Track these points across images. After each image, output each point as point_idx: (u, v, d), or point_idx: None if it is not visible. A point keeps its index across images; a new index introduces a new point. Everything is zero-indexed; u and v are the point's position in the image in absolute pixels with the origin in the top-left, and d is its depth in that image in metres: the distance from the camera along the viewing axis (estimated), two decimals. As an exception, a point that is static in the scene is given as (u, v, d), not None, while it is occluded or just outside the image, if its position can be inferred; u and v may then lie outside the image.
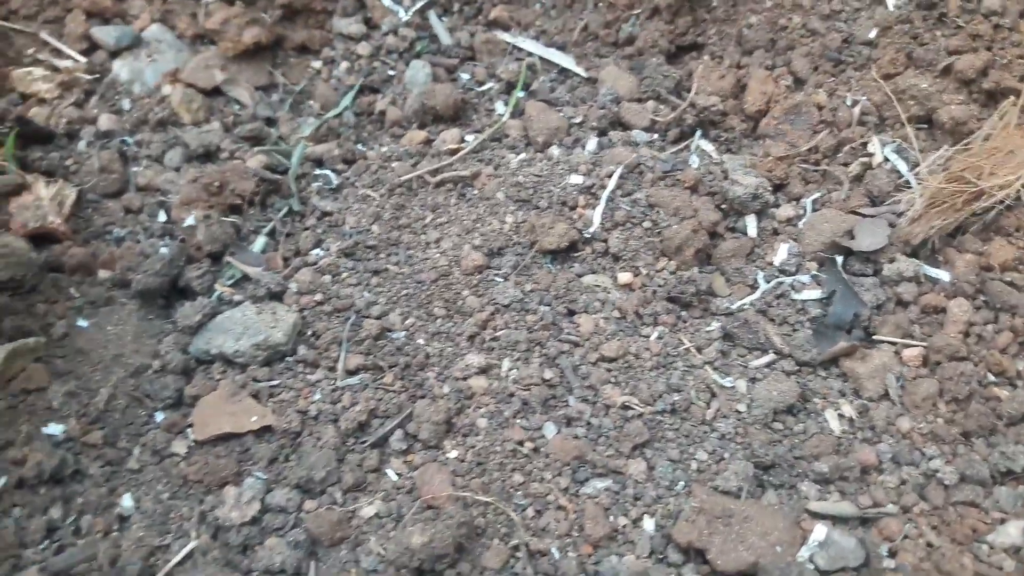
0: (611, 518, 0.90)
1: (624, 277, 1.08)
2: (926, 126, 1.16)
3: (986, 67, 1.13)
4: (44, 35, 1.30)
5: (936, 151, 1.12)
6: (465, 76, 1.33)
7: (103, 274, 1.10)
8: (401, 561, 0.85)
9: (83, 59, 1.29)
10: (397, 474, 0.95)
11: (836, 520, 0.89)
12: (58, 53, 1.30)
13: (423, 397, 0.99)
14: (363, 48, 1.35)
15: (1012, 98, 1.08)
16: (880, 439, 0.96)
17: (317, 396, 0.99)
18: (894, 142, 1.14)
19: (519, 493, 0.92)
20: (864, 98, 1.17)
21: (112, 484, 0.95)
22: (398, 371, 1.01)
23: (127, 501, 0.94)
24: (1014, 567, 0.84)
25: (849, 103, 1.18)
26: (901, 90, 1.15)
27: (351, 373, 1.01)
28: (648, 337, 1.03)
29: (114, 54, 1.31)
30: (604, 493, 0.92)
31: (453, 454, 0.95)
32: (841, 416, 0.98)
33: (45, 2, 1.32)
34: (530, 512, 0.91)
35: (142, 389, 1.02)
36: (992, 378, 0.98)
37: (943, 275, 1.04)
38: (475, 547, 0.88)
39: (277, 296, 1.07)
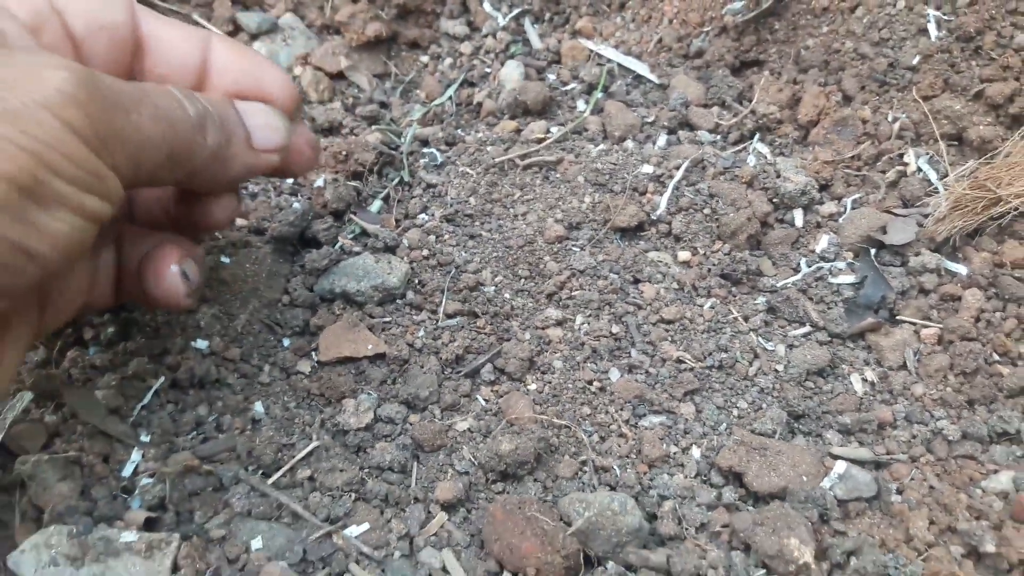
0: (664, 445, 1.05)
1: (684, 255, 1.23)
2: (956, 143, 1.28)
3: (1013, 94, 1.24)
4: (196, 16, 1.49)
5: (963, 164, 1.24)
6: (552, 76, 1.48)
7: (240, 222, 1.28)
8: (490, 464, 1.01)
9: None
10: (485, 400, 1.11)
11: (854, 462, 1.03)
12: (208, 34, 1.49)
13: (509, 340, 1.16)
14: (465, 47, 1.52)
15: (1031, 121, 1.23)
16: (896, 401, 1.10)
17: (421, 332, 1.16)
18: (927, 155, 1.26)
19: (587, 422, 1.08)
20: (904, 115, 1.29)
21: (247, 393, 1.10)
22: (488, 318, 1.17)
23: (259, 407, 1.09)
24: (1002, 507, 0.99)
25: (890, 119, 1.30)
26: (937, 110, 1.28)
27: (450, 316, 1.17)
28: (702, 306, 1.18)
29: (254, 36, 1.49)
30: (659, 426, 1.07)
31: (533, 387, 1.11)
32: (864, 380, 1.12)
33: (201, -11, 1.52)
34: (596, 438, 1.06)
35: (273, 318, 1.18)
36: (996, 357, 1.11)
37: (961, 269, 1.17)
38: (550, 460, 1.04)
39: (391, 249, 1.22)
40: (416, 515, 0.99)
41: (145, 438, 1.03)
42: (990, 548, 0.93)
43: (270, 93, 0.96)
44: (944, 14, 1.34)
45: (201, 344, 1.13)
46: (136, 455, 1.00)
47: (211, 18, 1.50)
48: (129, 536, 0.91)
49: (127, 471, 0.99)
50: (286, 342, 1.18)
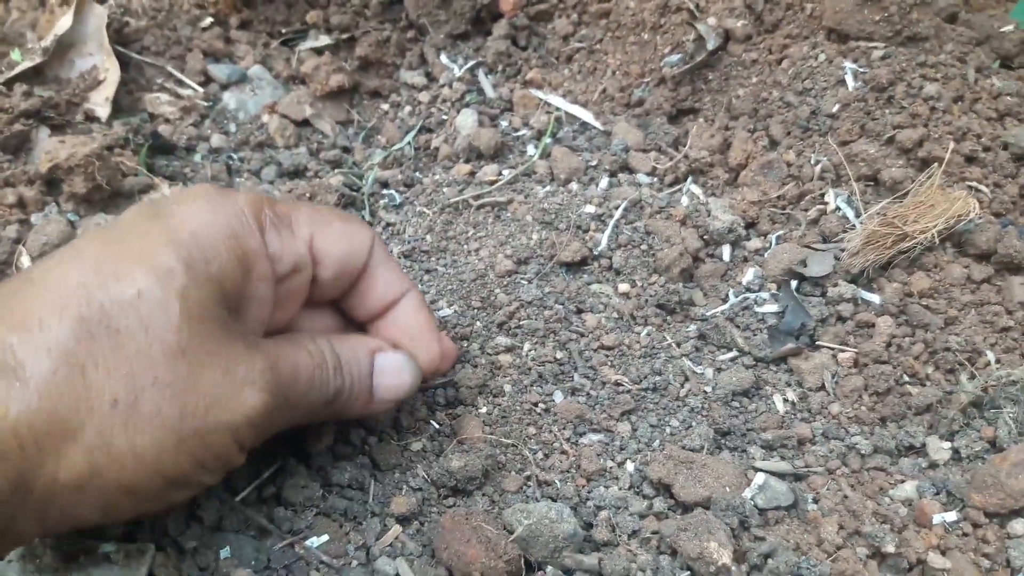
0: (601, 460, 1.14)
1: (623, 287, 1.33)
2: (873, 183, 1.38)
3: (922, 139, 1.35)
4: (170, 68, 1.58)
5: (878, 203, 1.35)
6: (504, 123, 1.58)
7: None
8: (441, 480, 1.10)
9: (200, 89, 1.57)
10: (439, 423, 1.21)
11: (774, 474, 1.13)
12: (180, 83, 1.57)
13: (466, 364, 1.25)
14: (423, 96, 1.62)
15: (936, 163, 1.35)
16: (815, 419, 1.20)
17: (379, 360, 1.26)
18: (845, 194, 1.37)
19: (532, 440, 1.17)
20: (825, 158, 1.39)
21: None
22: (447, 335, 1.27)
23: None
24: (906, 513, 1.09)
25: (812, 162, 1.40)
26: (854, 154, 1.38)
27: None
28: (639, 333, 1.28)
29: (224, 87, 1.58)
30: (597, 443, 1.16)
31: (483, 409, 1.21)
32: (785, 400, 1.22)
33: (171, 41, 1.60)
34: (540, 455, 1.15)
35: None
36: (906, 378, 1.20)
37: (875, 298, 1.27)
38: (498, 476, 1.12)
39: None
40: (373, 528, 1.07)
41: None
42: (891, 548, 1.03)
43: (418, 355, 1.06)
44: (860, 66, 1.46)
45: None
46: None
47: (184, 70, 1.60)
48: (108, 547, 0.98)
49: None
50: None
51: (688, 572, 1.01)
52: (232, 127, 1.55)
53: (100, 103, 1.46)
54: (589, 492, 1.12)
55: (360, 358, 1.00)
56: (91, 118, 1.45)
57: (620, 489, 1.12)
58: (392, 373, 1.03)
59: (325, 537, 1.05)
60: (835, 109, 1.44)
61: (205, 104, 1.56)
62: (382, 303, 1.06)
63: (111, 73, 1.49)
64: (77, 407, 0.71)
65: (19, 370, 0.70)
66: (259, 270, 0.87)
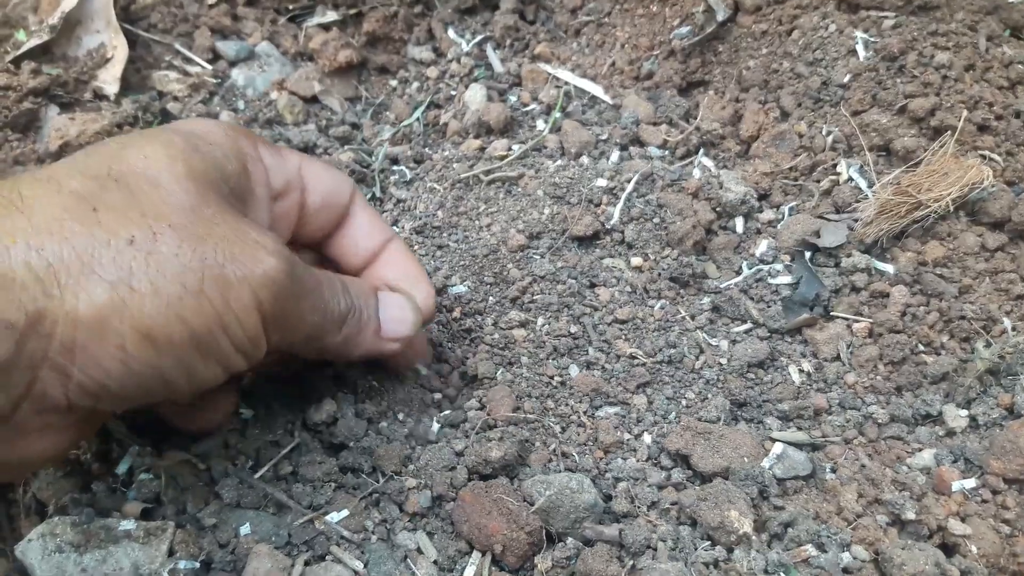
0: (619, 433, 1.14)
1: (636, 261, 1.33)
2: (884, 153, 1.38)
3: (934, 109, 1.35)
4: (177, 46, 1.58)
5: (890, 173, 1.35)
6: (513, 98, 1.58)
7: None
8: (477, 468, 1.07)
9: (208, 66, 1.56)
10: (455, 395, 1.21)
11: (791, 444, 1.13)
12: (188, 60, 1.56)
13: (480, 340, 1.25)
14: (432, 72, 1.62)
15: (949, 132, 1.35)
16: (831, 389, 1.20)
17: (393, 336, 1.26)
18: (858, 165, 1.37)
19: (550, 414, 1.18)
20: (836, 129, 1.40)
21: None
22: (460, 312, 1.27)
23: (245, 408, 1.19)
24: (924, 480, 1.10)
25: (824, 133, 1.40)
26: (866, 124, 1.38)
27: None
28: (653, 307, 1.28)
29: (233, 64, 1.58)
30: (614, 416, 1.17)
31: (504, 384, 1.20)
32: (801, 371, 1.22)
33: (178, 19, 1.59)
34: (558, 428, 1.17)
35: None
36: (921, 347, 1.21)
37: (889, 268, 1.27)
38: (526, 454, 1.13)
39: (364, 258, 1.33)
40: (393, 502, 1.07)
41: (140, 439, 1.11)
42: (911, 516, 1.03)
43: (415, 297, 1.09)
44: (871, 36, 1.45)
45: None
46: (132, 453, 1.08)
47: (191, 47, 1.59)
48: (128, 524, 0.99)
49: (122, 468, 1.07)
50: (267, 347, 1.26)
51: (708, 541, 1.01)
52: (241, 104, 1.55)
53: (109, 81, 1.45)
54: (607, 464, 1.12)
55: (364, 289, 1.03)
56: (100, 96, 1.44)
57: (638, 461, 1.12)
58: (396, 307, 1.05)
59: (345, 512, 1.05)
60: (846, 79, 1.44)
61: (214, 81, 1.56)
62: (370, 250, 1.09)
63: (119, 51, 1.48)
64: (92, 239, 0.70)
65: (26, 209, 0.69)
66: (256, 172, 0.90)
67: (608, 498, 1.07)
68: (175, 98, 1.51)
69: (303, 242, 1.04)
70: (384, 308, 1.04)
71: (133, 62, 1.52)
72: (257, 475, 1.09)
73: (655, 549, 1.00)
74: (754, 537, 1.00)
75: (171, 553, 0.98)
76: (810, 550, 1.00)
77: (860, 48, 1.45)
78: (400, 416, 1.18)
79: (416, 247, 1.35)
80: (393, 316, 1.05)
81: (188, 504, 1.05)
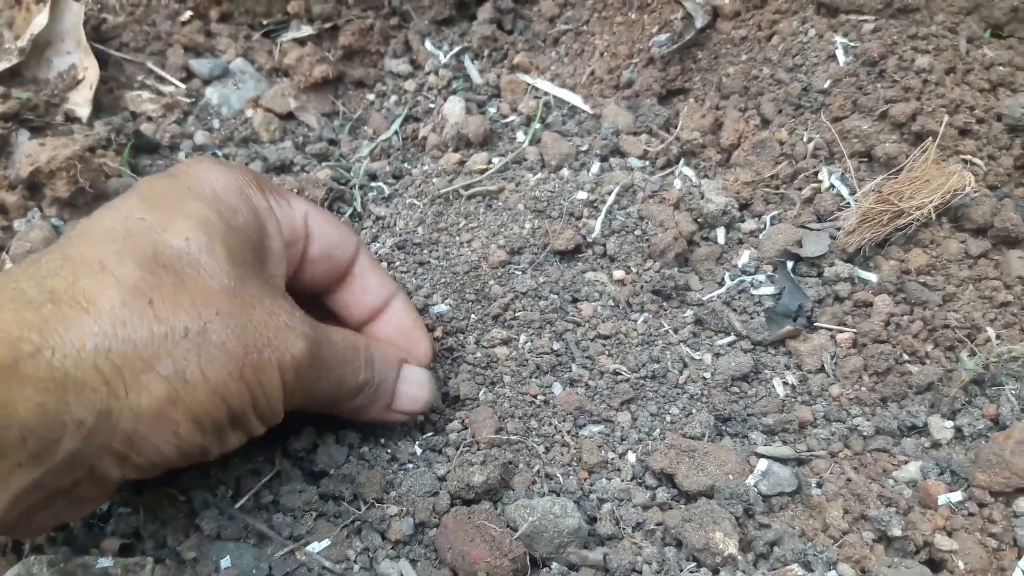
0: (603, 452, 1.13)
1: (618, 274, 1.31)
2: (867, 159, 1.37)
3: (915, 113, 1.34)
4: (150, 64, 1.56)
5: (872, 179, 1.34)
6: (492, 110, 1.56)
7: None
8: (459, 494, 1.06)
9: (182, 85, 1.54)
10: (440, 419, 1.20)
11: (777, 459, 1.12)
12: (161, 80, 1.55)
13: (462, 359, 1.24)
14: (409, 84, 1.60)
15: (930, 138, 1.34)
16: (815, 401, 1.19)
17: (374, 357, 1.24)
18: (839, 171, 1.35)
19: (533, 434, 1.17)
20: (818, 136, 1.38)
21: None
22: (442, 331, 1.26)
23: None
24: (910, 494, 1.09)
25: (805, 140, 1.39)
26: (847, 130, 1.36)
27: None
28: (636, 320, 1.27)
29: (207, 82, 1.56)
30: (598, 434, 1.15)
31: (486, 405, 1.19)
32: (785, 383, 1.21)
33: (151, 37, 1.57)
34: (541, 448, 1.15)
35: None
36: (906, 357, 1.20)
37: (872, 277, 1.26)
38: (510, 477, 1.11)
39: (343, 278, 1.32)
40: (374, 531, 1.06)
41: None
42: (897, 532, 1.02)
43: (417, 354, 1.14)
44: (851, 40, 1.44)
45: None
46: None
47: (165, 65, 1.57)
48: (106, 562, 0.97)
49: (103, 504, 1.05)
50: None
51: (694, 563, 1.00)
52: (216, 123, 1.53)
53: (80, 103, 1.43)
54: (591, 485, 1.11)
55: (390, 360, 1.07)
56: (72, 119, 1.42)
57: (623, 481, 1.11)
58: (415, 384, 1.11)
59: (326, 542, 1.04)
60: (826, 85, 1.42)
61: (187, 100, 1.53)
62: (375, 305, 1.12)
63: (90, 72, 1.46)
64: (151, 336, 0.75)
65: (91, 307, 0.74)
66: (271, 227, 0.94)
67: (592, 520, 1.06)
68: (149, 118, 1.49)
69: (299, 289, 1.03)
70: (403, 382, 1.09)
71: (105, 83, 1.50)
72: (238, 505, 1.08)
73: (640, 572, 0.99)
74: (740, 557, 0.99)
75: (150, 590, 0.97)
76: (796, 570, 0.99)
77: (840, 53, 1.44)
78: (382, 440, 1.16)
79: (397, 264, 1.33)
80: (409, 393, 1.10)
81: (168, 537, 1.04)
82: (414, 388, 1.10)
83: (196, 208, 0.85)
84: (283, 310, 0.87)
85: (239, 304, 0.82)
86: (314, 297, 1.12)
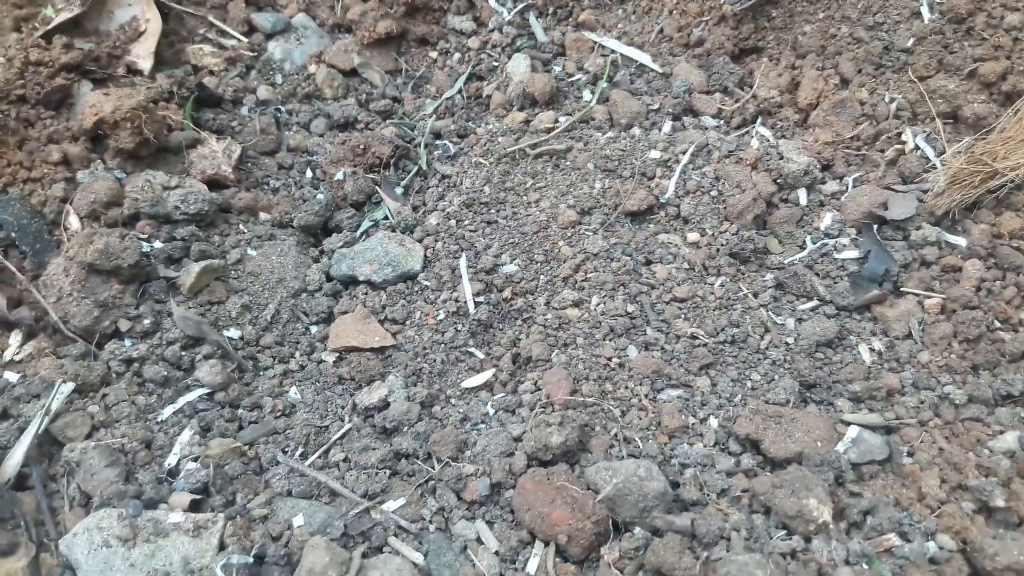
0: (683, 417, 1.09)
1: (693, 236, 1.27)
2: (952, 121, 1.32)
3: (1005, 72, 1.28)
4: (211, 18, 1.53)
5: (959, 141, 1.29)
6: (557, 68, 1.51)
7: (264, 216, 1.31)
8: (537, 455, 1.03)
9: (244, 39, 1.52)
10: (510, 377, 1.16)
11: (866, 427, 1.07)
12: (223, 33, 1.52)
13: (531, 321, 1.20)
14: (473, 42, 1.56)
15: (1022, 98, 1.28)
16: (903, 368, 1.14)
17: (442, 315, 1.21)
18: (924, 133, 1.30)
19: (609, 397, 1.13)
20: (900, 96, 1.33)
21: (281, 379, 1.16)
22: (511, 292, 1.22)
23: (294, 392, 1.14)
24: (1009, 465, 1.04)
25: (887, 100, 1.34)
26: (932, 90, 1.31)
27: (475, 296, 1.21)
28: (712, 284, 1.22)
29: (269, 36, 1.53)
30: (677, 399, 1.11)
31: (559, 365, 1.15)
32: (872, 350, 1.16)
33: (212, -10, 1.56)
34: (617, 412, 1.11)
35: (300, 306, 1.23)
36: (998, 324, 1.15)
37: (960, 241, 1.21)
38: (586, 439, 1.08)
39: (411, 229, 1.29)
40: (450, 489, 1.03)
41: (189, 427, 1.07)
42: (1000, 503, 0.97)
43: None
44: (936, -3, 1.38)
45: (234, 333, 1.17)
46: (184, 437, 1.04)
47: (226, 19, 1.53)
48: (176, 517, 0.95)
49: (171, 459, 1.03)
50: (313, 329, 1.22)
51: (784, 531, 0.96)
52: (278, 78, 1.50)
53: (142, 55, 1.40)
54: (672, 450, 1.07)
55: None
56: (133, 71, 1.39)
57: (705, 446, 1.07)
58: None
59: (401, 500, 1.00)
60: (909, 43, 1.37)
61: (250, 54, 1.51)
62: None
63: (152, 24, 1.43)
64: None
65: None
66: None
67: (675, 485, 1.02)
68: (211, 72, 1.46)
69: None
70: None
71: (167, 36, 1.47)
72: (308, 462, 1.05)
73: (728, 539, 0.95)
74: (832, 526, 0.95)
75: (222, 547, 0.94)
76: (893, 539, 0.95)
77: (924, 10, 1.38)
78: (452, 400, 1.13)
79: (466, 222, 1.29)
80: None
81: (237, 494, 1.01)
82: None
83: None
84: None
85: None
86: None
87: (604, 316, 1.19)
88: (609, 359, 1.15)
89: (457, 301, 1.21)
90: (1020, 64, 1.30)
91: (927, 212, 1.24)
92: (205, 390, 1.11)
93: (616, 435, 1.07)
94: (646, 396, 1.12)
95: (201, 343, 1.14)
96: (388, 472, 1.04)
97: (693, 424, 1.10)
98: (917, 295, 1.20)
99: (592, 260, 1.25)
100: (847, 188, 1.30)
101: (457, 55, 1.56)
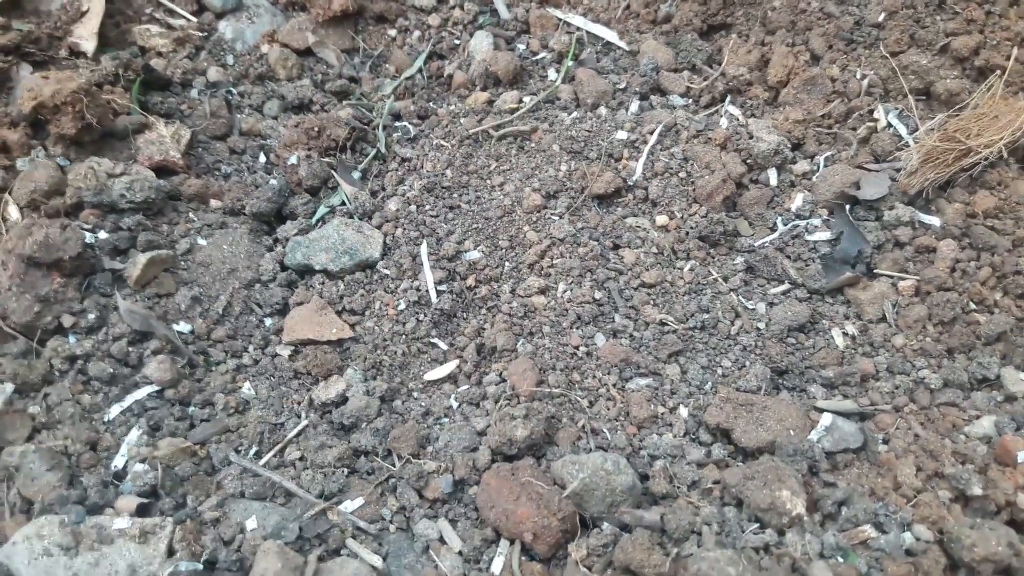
0: (652, 406, 1.05)
1: (661, 219, 1.23)
2: (924, 97, 1.29)
3: (978, 47, 1.26)
4: (160, -4, 1.47)
5: (932, 118, 1.26)
6: (521, 46, 1.46)
7: (215, 203, 1.25)
8: (501, 449, 0.99)
9: (193, 19, 1.45)
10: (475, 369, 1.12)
11: (839, 414, 1.04)
12: (171, 13, 1.45)
13: (496, 309, 1.16)
14: (433, 19, 1.50)
15: (998, 72, 1.25)
16: (877, 353, 1.11)
17: (402, 304, 1.16)
18: (897, 110, 1.27)
19: (577, 387, 1.09)
20: (872, 72, 1.30)
21: (234, 374, 1.10)
22: (475, 279, 1.18)
23: (247, 388, 1.09)
24: (985, 451, 1.01)
25: (858, 76, 1.31)
26: (904, 66, 1.29)
27: (437, 284, 1.17)
28: (682, 269, 1.18)
29: (219, 15, 1.46)
30: (646, 388, 1.07)
31: (525, 355, 1.11)
32: (845, 334, 1.14)
33: (159, -33, 1.49)
34: (585, 402, 1.07)
35: (253, 297, 1.18)
36: (973, 306, 1.12)
37: (934, 221, 1.18)
38: (555, 430, 1.03)
39: (369, 215, 1.24)
40: (410, 487, 0.99)
41: (137, 426, 1.02)
42: (977, 491, 0.95)
43: None
44: (908, -30, 1.34)
45: (184, 327, 1.12)
46: (132, 438, 0.99)
47: (173, -1, 1.47)
48: (122, 523, 0.90)
49: (118, 461, 0.98)
50: (267, 322, 1.17)
51: (757, 524, 0.93)
52: (230, 59, 1.43)
53: (85, 36, 1.33)
54: (641, 441, 1.03)
55: None
56: (76, 53, 1.32)
57: (675, 436, 1.03)
58: None
59: (360, 500, 0.96)
60: (881, 18, 1.34)
61: (199, 35, 1.43)
62: None
63: (96, 3, 1.36)
64: None
65: None
66: None
67: (644, 478, 0.99)
68: (159, 53, 1.39)
69: None
70: None
71: (111, 15, 1.39)
72: (262, 461, 1.01)
73: (699, 534, 0.92)
74: (807, 518, 0.92)
75: (170, 553, 0.90)
76: (868, 531, 0.92)
77: (896, -16, 1.34)
78: (415, 393, 1.09)
79: (427, 207, 1.25)
80: None
81: (188, 497, 0.97)
82: None
83: None
84: None
85: None
86: None
87: (571, 303, 1.15)
88: (576, 348, 1.11)
89: (418, 290, 1.16)
90: (993, 38, 1.28)
91: (900, 191, 1.21)
92: (154, 387, 1.05)
93: (584, 426, 1.04)
94: (614, 386, 1.08)
95: (149, 338, 1.08)
96: (346, 471, 1.00)
97: (662, 414, 1.06)
98: (891, 277, 1.17)
99: (558, 245, 1.21)
100: (818, 168, 1.27)
101: (417, 33, 1.50)
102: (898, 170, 1.23)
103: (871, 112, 1.30)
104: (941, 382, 1.08)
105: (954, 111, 1.25)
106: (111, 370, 1.04)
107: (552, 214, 1.24)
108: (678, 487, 0.98)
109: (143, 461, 0.97)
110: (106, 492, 0.95)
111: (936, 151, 1.18)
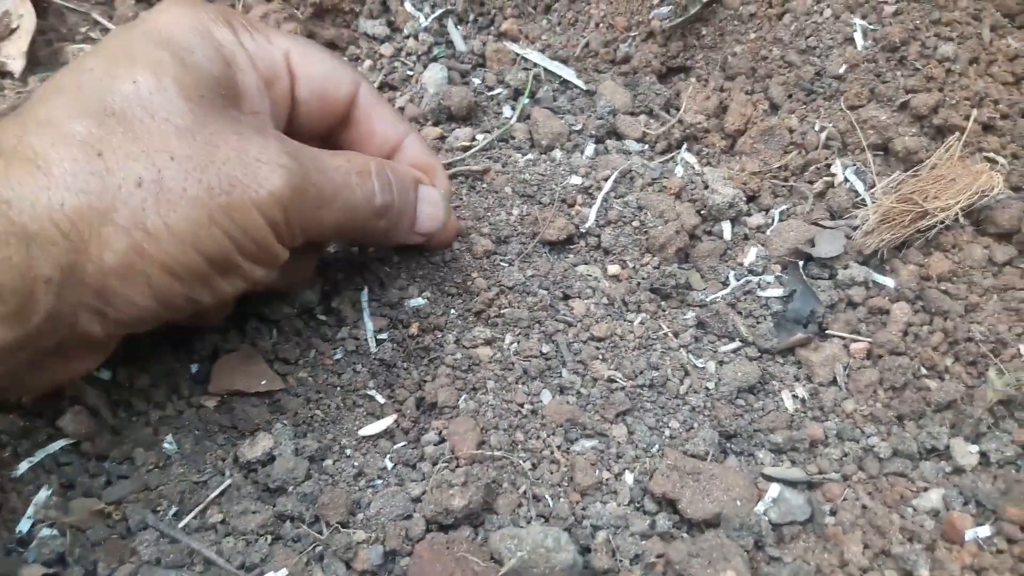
0: (597, 472, 1.02)
1: (613, 269, 1.20)
2: (883, 153, 1.27)
3: (937, 105, 1.24)
4: (96, 15, 1.39)
5: (890, 175, 1.24)
6: (477, 80, 1.42)
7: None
8: (437, 519, 0.94)
9: (132, 41, 1.40)
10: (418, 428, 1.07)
11: (787, 483, 1.02)
12: (108, 32, 1.40)
13: (439, 362, 1.11)
14: (386, 48, 1.45)
15: (957, 133, 1.23)
16: (827, 418, 1.09)
17: (339, 354, 1.11)
18: (854, 165, 1.26)
19: (520, 448, 1.05)
20: (830, 125, 1.28)
21: (156, 426, 1.04)
22: (418, 327, 1.13)
23: (169, 441, 1.02)
24: (933, 526, 0.99)
25: (817, 128, 1.29)
26: (863, 120, 1.27)
27: (377, 332, 1.12)
28: (632, 322, 1.16)
29: (160, 39, 1.41)
30: (591, 451, 1.04)
31: (466, 413, 1.06)
32: (795, 397, 1.11)
33: (97, -15, 1.42)
34: (528, 465, 1.03)
35: (179, 342, 1.12)
36: (924, 371, 1.10)
37: (889, 282, 1.17)
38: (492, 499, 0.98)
39: (308, 265, 1.18)
40: (337, 557, 0.93)
41: (47, 485, 0.95)
42: (924, 573, 0.92)
43: (437, 182, 1.11)
44: (870, 23, 1.33)
45: (104, 374, 1.06)
46: (40, 498, 0.93)
47: (112, 17, 1.40)
48: (24, 594, 0.84)
49: (23, 525, 0.91)
50: (194, 368, 1.11)
51: (700, 604, 0.89)
52: (168, 84, 1.36)
53: (13, 55, 1.27)
54: (584, 510, 0.99)
55: (406, 181, 1.04)
56: (3, 73, 1.26)
57: (619, 505, 0.99)
58: (432, 203, 1.08)
59: (283, 572, 0.91)
60: (842, 70, 1.31)
61: (137, 57, 1.36)
62: (390, 144, 1.09)
63: (26, 20, 1.29)
64: (104, 188, 0.75)
65: (39, 161, 0.74)
66: (240, 60, 0.89)
67: (586, 550, 0.95)
68: (92, 75, 1.32)
69: (302, 137, 0.95)
70: (422, 201, 1.07)
71: (43, 33, 1.33)
72: (181, 524, 0.95)
73: (641, 615, 0.88)
74: (751, 598, 0.89)
75: (76, 628, 0.83)
76: (813, 614, 0.89)
77: (858, 36, 1.32)
78: (348, 452, 1.03)
79: (370, 249, 1.20)
80: (428, 212, 1.08)
81: (99, 563, 0.90)
82: (431, 208, 1.08)
83: (148, 52, 0.82)
84: (255, 145, 0.83)
85: (199, 145, 0.79)
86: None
87: (518, 357, 1.11)
88: (521, 405, 1.07)
89: (357, 339, 1.11)
90: (952, 97, 1.26)
91: (855, 250, 1.20)
92: (69, 440, 0.99)
93: (525, 492, 0.99)
94: (559, 447, 1.04)
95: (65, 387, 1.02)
96: (270, 538, 0.94)
97: (607, 479, 1.02)
98: (843, 338, 1.15)
99: (507, 294, 1.17)
100: (773, 221, 1.25)
101: (368, 62, 1.46)
102: (854, 228, 1.21)
103: (828, 166, 1.28)
104: (890, 451, 1.06)
105: (913, 170, 1.23)
106: (21, 423, 0.98)
107: (502, 260, 1.20)
108: (620, 561, 0.94)
109: (51, 525, 0.91)
110: (8, 562, 0.88)
111: (893, 212, 1.17)
